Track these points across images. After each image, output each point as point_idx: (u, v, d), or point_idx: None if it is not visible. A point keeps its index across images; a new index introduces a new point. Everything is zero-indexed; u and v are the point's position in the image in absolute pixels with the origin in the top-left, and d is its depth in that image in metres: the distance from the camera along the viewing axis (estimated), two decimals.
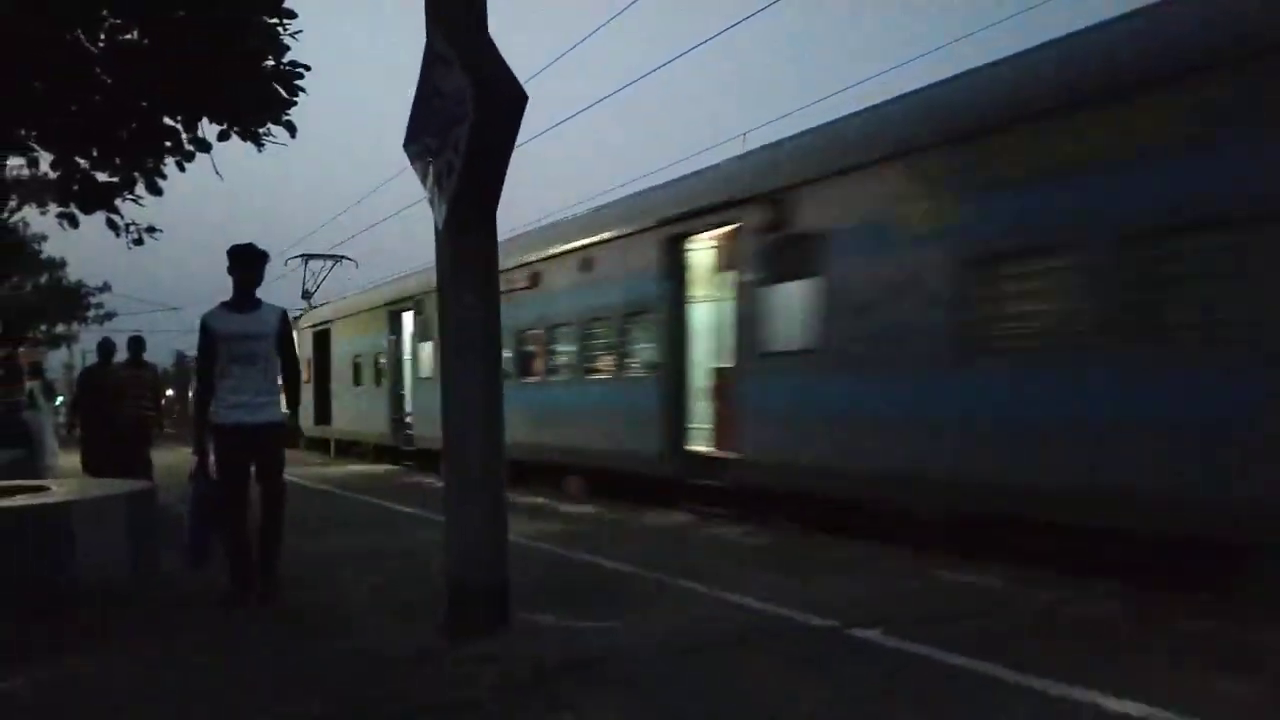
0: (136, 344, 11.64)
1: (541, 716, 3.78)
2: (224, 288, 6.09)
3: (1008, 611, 5.37)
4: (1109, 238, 6.24)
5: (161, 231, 8.88)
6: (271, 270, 6.17)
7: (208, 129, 7.92)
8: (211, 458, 5.90)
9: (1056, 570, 6.40)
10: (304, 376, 20.64)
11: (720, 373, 10.38)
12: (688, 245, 10.76)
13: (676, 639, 4.85)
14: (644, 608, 5.58)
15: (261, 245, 6.09)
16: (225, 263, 5.94)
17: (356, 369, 22.04)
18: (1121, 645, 4.59)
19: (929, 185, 7.53)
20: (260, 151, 8.09)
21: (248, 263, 5.98)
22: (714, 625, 5.15)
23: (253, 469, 5.87)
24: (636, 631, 5.01)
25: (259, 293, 6.06)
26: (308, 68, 7.82)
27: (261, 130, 7.97)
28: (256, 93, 7.68)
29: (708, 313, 10.88)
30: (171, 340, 55.71)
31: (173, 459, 13.06)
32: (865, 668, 4.30)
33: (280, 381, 6.03)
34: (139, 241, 8.74)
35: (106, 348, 11.53)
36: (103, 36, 7.41)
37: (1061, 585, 5.97)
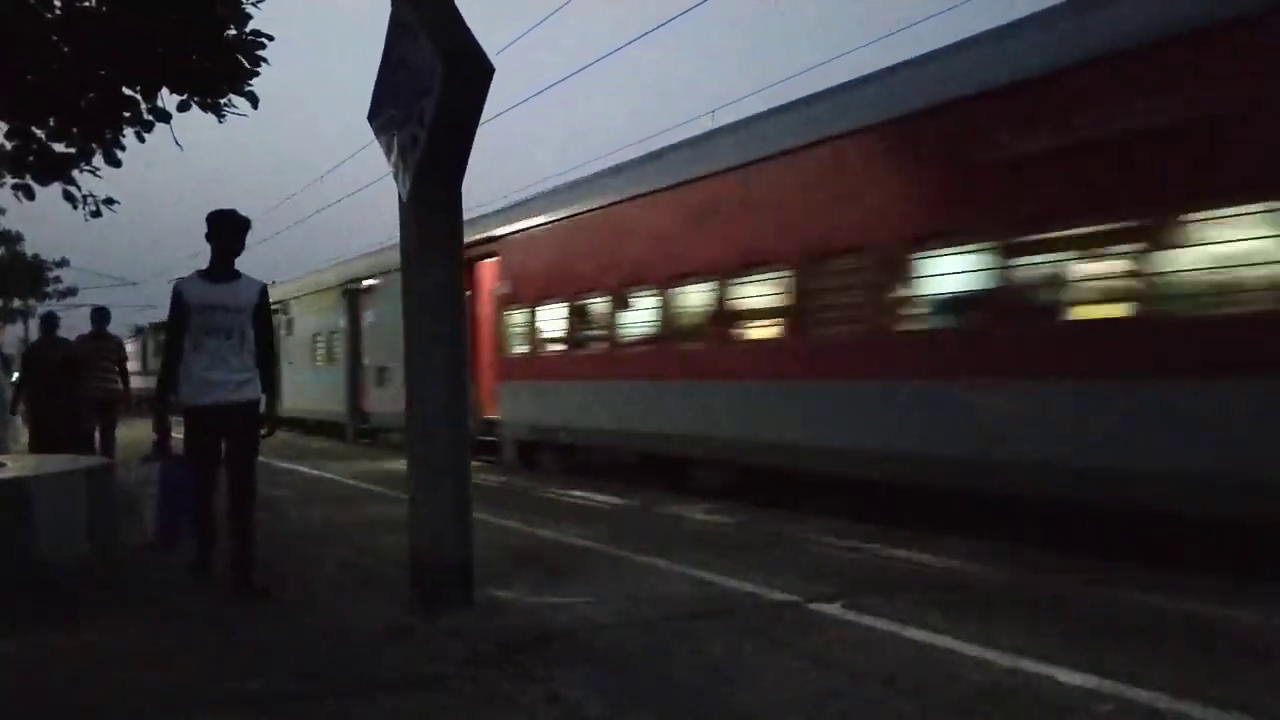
0: (100, 315, 11.30)
1: (510, 689, 3.80)
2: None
3: (961, 585, 5.46)
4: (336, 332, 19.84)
5: (119, 203, 8.75)
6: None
7: (167, 99, 7.80)
8: (175, 438, 5.64)
9: (1004, 546, 6.52)
10: None
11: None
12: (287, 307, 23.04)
13: (641, 613, 4.90)
14: (608, 583, 5.61)
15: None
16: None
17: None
18: (1078, 614, 4.69)
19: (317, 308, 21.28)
20: (221, 122, 7.99)
21: (230, 230, 5.57)
22: (678, 599, 5.20)
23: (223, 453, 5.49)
24: (602, 606, 5.05)
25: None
26: (270, 37, 7.71)
27: (223, 101, 7.85)
28: (218, 62, 7.56)
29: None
30: (130, 315, 54.98)
31: (135, 434, 12.89)
32: (827, 640, 4.36)
33: (258, 359, 5.61)
34: (97, 213, 8.61)
35: (50, 321, 11.08)
36: (59, 4, 7.25)
37: (1013, 559, 6.08)
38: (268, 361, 5.69)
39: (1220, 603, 4.85)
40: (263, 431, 5.71)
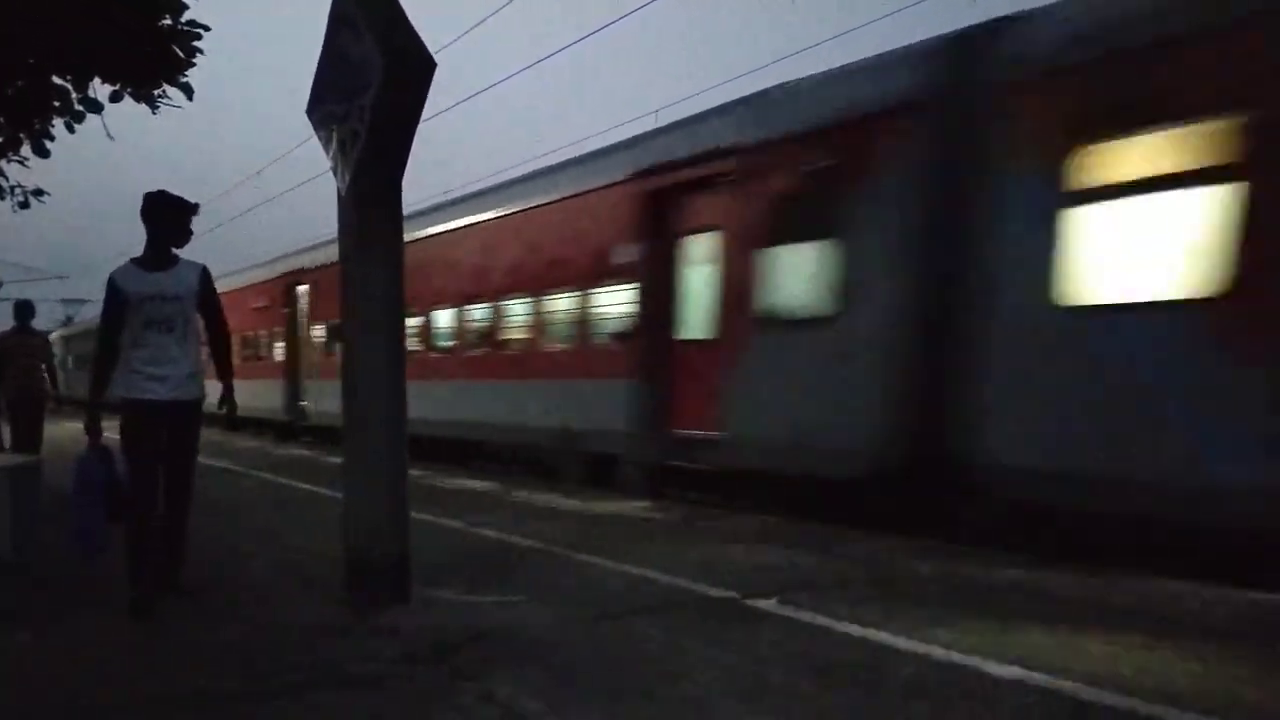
0: (24, 309, 10.79)
1: (444, 688, 3.78)
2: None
3: (895, 581, 5.57)
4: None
5: (49, 195, 8.54)
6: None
7: (99, 89, 7.62)
8: (112, 438, 5.22)
9: (939, 540, 6.66)
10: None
11: None
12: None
13: (579, 611, 4.91)
14: (547, 581, 5.61)
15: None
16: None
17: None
18: (1008, 608, 4.82)
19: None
20: (155, 114, 7.83)
21: (172, 213, 5.22)
22: (616, 597, 5.22)
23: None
24: (539, 604, 5.05)
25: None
26: (207, 28, 7.57)
27: (157, 92, 7.70)
28: (151, 52, 7.41)
29: None
30: (57, 310, 53.57)
31: (62, 434, 12.56)
32: (763, 636, 4.42)
33: (204, 350, 5.38)
34: (25, 205, 8.40)
35: None
36: None
37: (949, 554, 6.22)
38: (220, 344, 5.46)
39: (1140, 594, 5.02)
40: (224, 409, 5.54)
